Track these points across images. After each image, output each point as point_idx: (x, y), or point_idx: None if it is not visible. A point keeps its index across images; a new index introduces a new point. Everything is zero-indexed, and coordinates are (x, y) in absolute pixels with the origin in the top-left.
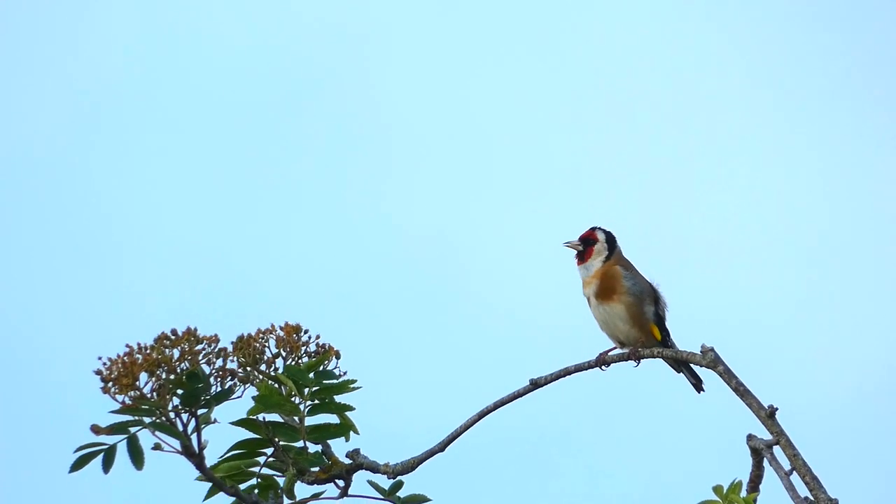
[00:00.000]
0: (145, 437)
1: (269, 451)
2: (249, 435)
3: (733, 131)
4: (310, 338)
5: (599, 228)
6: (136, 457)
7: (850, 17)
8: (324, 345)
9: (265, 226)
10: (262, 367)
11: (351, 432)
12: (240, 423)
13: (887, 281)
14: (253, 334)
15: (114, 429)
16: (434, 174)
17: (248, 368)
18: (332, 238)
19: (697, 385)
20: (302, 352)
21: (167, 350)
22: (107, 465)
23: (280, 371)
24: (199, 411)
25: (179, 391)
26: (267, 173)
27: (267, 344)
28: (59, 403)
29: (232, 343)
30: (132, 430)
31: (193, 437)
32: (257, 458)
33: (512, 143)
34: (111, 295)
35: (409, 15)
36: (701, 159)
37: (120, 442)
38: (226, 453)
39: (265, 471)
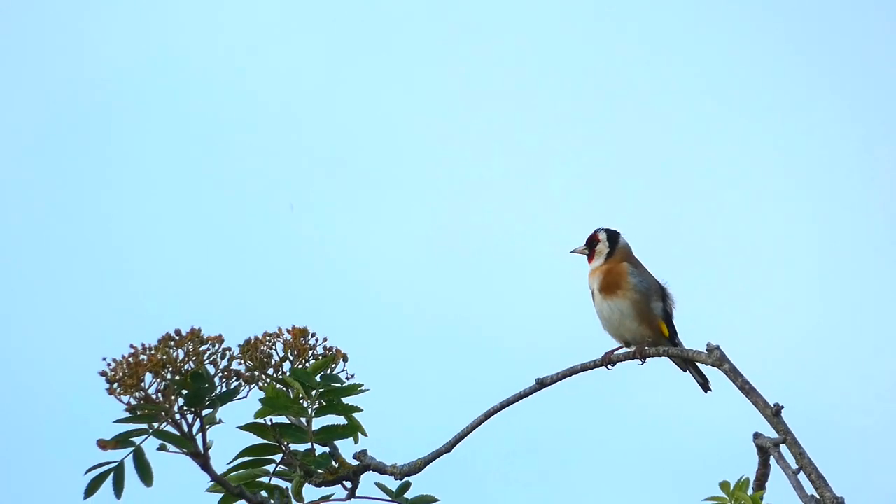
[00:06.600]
0: (151, 439)
1: (278, 457)
2: (257, 440)
3: (740, 128)
4: (317, 341)
5: (602, 229)
6: (144, 472)
7: (860, 15)
8: (331, 348)
9: (268, 226)
10: (270, 371)
11: (358, 434)
12: (247, 427)
13: (894, 277)
14: (260, 337)
15: (119, 441)
16: (436, 173)
17: (256, 372)
18: (334, 236)
19: (704, 384)
20: (309, 355)
21: (172, 351)
22: (118, 489)
23: (287, 374)
24: (204, 412)
25: (184, 392)
26: (267, 173)
27: (274, 347)
28: (62, 406)
29: (239, 346)
30: (137, 440)
31: (198, 438)
32: (266, 467)
33: (515, 142)
34: (114, 297)
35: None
36: (707, 158)
37: (127, 457)
38: (234, 459)
39: (275, 480)
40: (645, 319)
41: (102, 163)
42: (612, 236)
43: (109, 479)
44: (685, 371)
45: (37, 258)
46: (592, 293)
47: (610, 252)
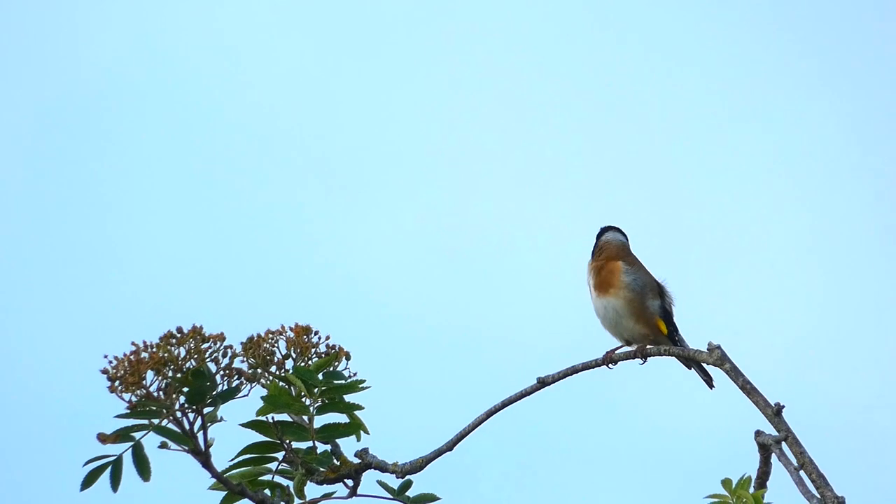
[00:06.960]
0: (151, 436)
1: (280, 455)
2: (259, 437)
3: (741, 127)
4: (319, 339)
5: (604, 226)
6: (142, 467)
7: (860, 15)
8: (334, 346)
9: (270, 225)
10: (272, 369)
11: (360, 432)
12: (249, 425)
13: (894, 277)
14: (262, 335)
15: (119, 436)
16: (437, 172)
17: (259, 370)
18: (335, 236)
19: (708, 381)
20: (312, 353)
21: (173, 348)
22: (115, 482)
23: (290, 372)
24: (206, 409)
25: (185, 389)
26: (268, 172)
27: (277, 345)
28: (63, 404)
29: (241, 344)
30: (137, 435)
31: (199, 436)
32: (268, 465)
33: (515, 141)
34: (115, 294)
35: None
36: (708, 157)
37: (126, 451)
38: (236, 457)
39: (277, 478)
40: (641, 318)
41: (101, 161)
42: (601, 232)
43: (107, 473)
44: (690, 368)
45: (37, 256)
46: (589, 289)
47: (598, 248)
